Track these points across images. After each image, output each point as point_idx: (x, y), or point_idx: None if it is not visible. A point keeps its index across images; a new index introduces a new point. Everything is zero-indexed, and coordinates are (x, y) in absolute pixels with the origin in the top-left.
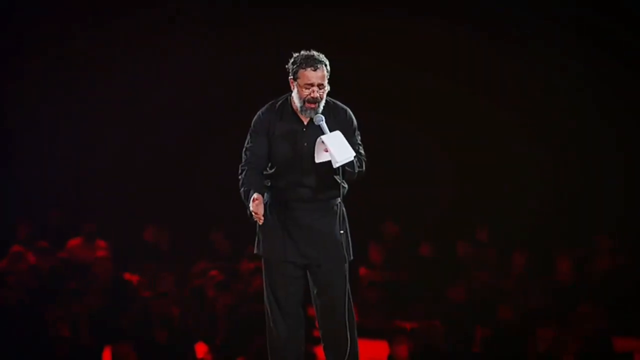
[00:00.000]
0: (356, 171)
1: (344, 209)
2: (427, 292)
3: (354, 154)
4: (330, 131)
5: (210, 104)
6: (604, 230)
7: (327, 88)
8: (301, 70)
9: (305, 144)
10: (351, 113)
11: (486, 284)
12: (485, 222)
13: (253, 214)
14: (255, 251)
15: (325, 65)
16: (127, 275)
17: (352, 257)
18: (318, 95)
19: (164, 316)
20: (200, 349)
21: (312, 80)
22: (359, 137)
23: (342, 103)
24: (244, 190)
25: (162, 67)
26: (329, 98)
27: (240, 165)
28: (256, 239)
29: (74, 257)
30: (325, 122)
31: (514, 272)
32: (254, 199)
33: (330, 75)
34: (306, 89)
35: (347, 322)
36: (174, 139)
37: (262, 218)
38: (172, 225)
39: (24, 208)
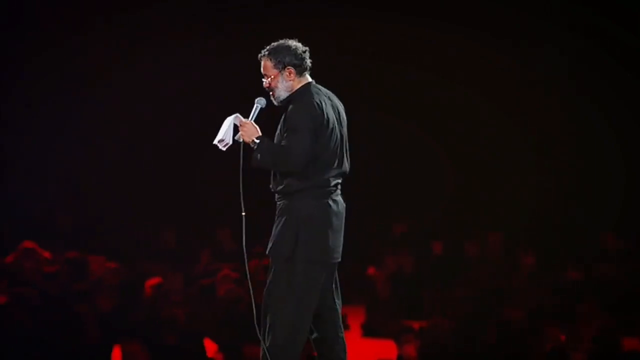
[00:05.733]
0: (257, 158)
1: (304, 204)
2: (436, 291)
3: (218, 139)
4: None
5: (216, 101)
6: (613, 230)
7: (275, 76)
8: None
9: (278, 133)
10: (297, 108)
11: (494, 283)
12: (495, 222)
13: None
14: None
15: (266, 56)
16: (136, 275)
17: (306, 255)
18: (265, 85)
19: (173, 315)
20: (210, 347)
21: (262, 71)
22: (292, 131)
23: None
24: None
25: (162, 67)
26: (321, 88)
27: None
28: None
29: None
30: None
31: (522, 272)
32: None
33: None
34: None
35: (267, 323)
36: (177, 139)
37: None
38: (180, 225)
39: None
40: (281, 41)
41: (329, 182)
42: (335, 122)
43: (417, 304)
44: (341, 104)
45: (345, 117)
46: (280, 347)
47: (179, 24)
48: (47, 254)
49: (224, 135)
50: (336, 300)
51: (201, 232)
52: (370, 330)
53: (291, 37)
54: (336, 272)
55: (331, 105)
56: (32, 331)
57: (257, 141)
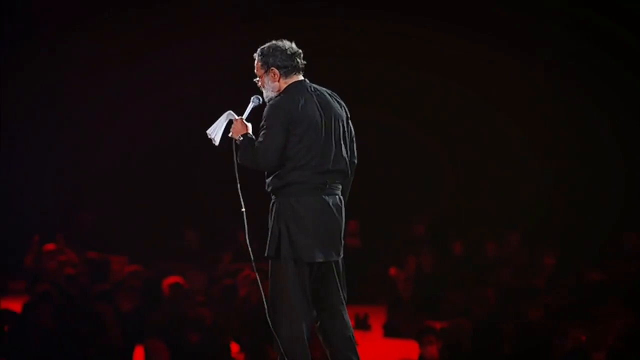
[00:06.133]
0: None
1: (285, 202)
2: (457, 291)
3: (210, 135)
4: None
5: (217, 100)
6: (634, 229)
7: (262, 76)
8: None
9: None
10: (271, 105)
11: (516, 284)
12: (515, 222)
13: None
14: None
15: (256, 56)
16: (158, 276)
17: (288, 255)
18: (258, 85)
19: (195, 315)
20: (232, 347)
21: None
22: (263, 130)
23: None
24: None
25: (163, 67)
26: (310, 86)
27: None
28: None
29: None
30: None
31: (543, 272)
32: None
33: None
34: None
35: (269, 319)
36: (183, 139)
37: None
38: (202, 226)
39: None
40: (273, 42)
41: (312, 180)
42: (319, 120)
43: (438, 304)
44: (340, 103)
45: (343, 116)
46: (287, 346)
47: (180, 23)
48: (70, 255)
49: (213, 131)
50: (341, 299)
51: (224, 233)
52: (391, 331)
53: (292, 37)
54: (337, 270)
55: (317, 103)
56: (54, 331)
57: (241, 139)
